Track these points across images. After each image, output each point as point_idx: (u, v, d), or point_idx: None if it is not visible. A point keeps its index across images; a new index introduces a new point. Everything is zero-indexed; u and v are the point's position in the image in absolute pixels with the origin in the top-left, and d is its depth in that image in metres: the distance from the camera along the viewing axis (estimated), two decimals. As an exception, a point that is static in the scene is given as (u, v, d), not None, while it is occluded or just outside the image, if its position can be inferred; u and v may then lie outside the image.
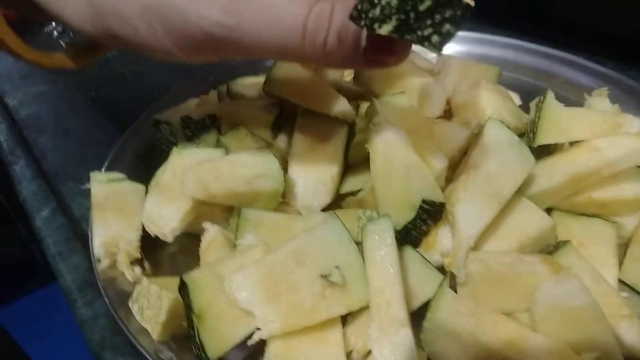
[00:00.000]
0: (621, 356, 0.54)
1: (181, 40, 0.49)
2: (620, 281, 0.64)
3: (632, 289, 0.63)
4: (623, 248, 0.66)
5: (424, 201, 0.59)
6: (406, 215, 0.60)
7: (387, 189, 0.64)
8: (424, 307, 0.57)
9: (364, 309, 0.57)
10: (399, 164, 0.62)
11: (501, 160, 0.62)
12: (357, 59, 0.45)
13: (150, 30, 0.49)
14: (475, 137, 0.67)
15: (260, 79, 0.85)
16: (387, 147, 0.64)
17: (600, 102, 0.81)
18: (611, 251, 0.65)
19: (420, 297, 0.59)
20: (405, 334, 0.52)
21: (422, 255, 0.61)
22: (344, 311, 0.56)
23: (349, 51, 0.44)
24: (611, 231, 0.66)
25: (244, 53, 0.50)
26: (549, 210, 0.69)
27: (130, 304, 0.60)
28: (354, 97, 0.80)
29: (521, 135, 0.74)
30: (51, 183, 0.88)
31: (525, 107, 0.82)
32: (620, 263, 0.64)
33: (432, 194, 0.60)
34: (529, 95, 0.83)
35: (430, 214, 0.60)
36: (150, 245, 0.69)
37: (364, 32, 0.44)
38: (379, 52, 0.45)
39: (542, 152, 0.71)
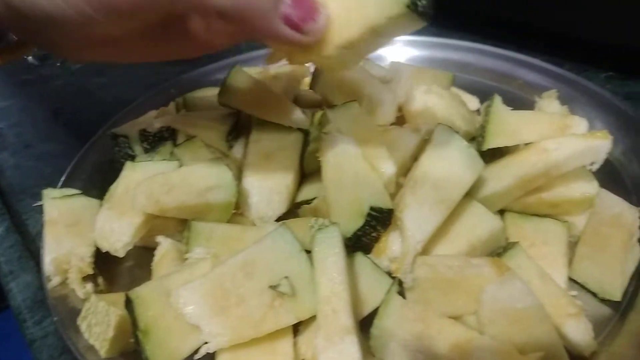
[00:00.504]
0: (566, 355, 0.54)
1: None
2: (571, 279, 0.65)
3: (582, 286, 0.64)
4: (574, 246, 0.67)
5: (371, 208, 0.59)
6: (356, 223, 0.60)
7: (338, 197, 0.64)
8: (375, 313, 0.57)
9: (314, 318, 0.57)
10: (348, 173, 0.62)
11: (449, 165, 0.63)
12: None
13: None
14: (425, 142, 0.67)
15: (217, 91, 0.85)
16: (337, 156, 0.64)
17: (550, 103, 0.83)
18: (562, 250, 0.66)
19: (371, 303, 0.59)
20: (351, 342, 0.52)
21: (372, 261, 0.61)
22: (293, 321, 0.56)
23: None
24: (562, 230, 0.67)
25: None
26: (501, 212, 0.70)
27: (79, 322, 0.60)
28: (310, 105, 0.81)
29: (473, 139, 0.75)
30: (7, 200, 0.87)
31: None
32: (571, 262, 0.66)
33: (379, 201, 0.60)
34: (489, 97, 0.84)
35: (379, 220, 0.60)
36: (105, 260, 0.69)
37: None
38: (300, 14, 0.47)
39: (495, 155, 0.72)
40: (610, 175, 0.75)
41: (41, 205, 0.73)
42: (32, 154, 1.00)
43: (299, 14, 0.48)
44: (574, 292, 0.63)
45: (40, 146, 1.03)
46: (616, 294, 0.62)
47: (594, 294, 0.63)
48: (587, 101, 0.90)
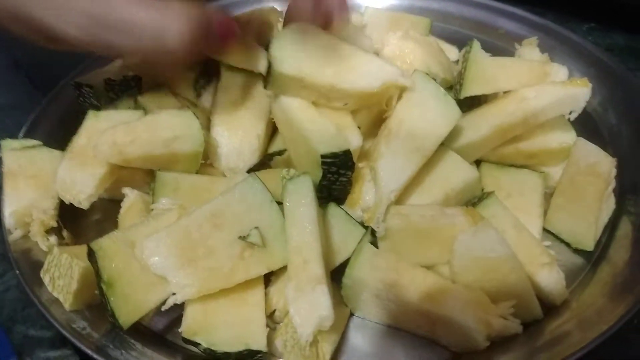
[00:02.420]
0: (537, 304, 0.55)
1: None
2: (545, 230, 0.64)
3: (555, 236, 0.64)
4: (549, 197, 0.66)
5: (322, 156, 0.57)
6: (317, 174, 0.58)
7: (296, 153, 0.63)
8: (348, 263, 0.56)
9: (286, 268, 0.56)
10: (298, 126, 0.60)
11: (425, 113, 0.61)
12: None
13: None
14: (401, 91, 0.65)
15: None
16: (285, 112, 0.62)
17: (530, 51, 0.80)
18: (537, 201, 0.65)
19: (343, 253, 0.58)
20: (322, 292, 0.51)
21: (345, 211, 0.60)
22: (264, 271, 0.55)
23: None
24: (538, 181, 0.67)
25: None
26: (477, 163, 0.69)
27: (41, 275, 0.57)
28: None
29: (451, 88, 0.73)
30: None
31: (464, 61, 0.81)
32: (546, 212, 0.65)
33: (331, 145, 0.57)
34: (469, 47, 0.82)
35: (338, 164, 0.58)
36: (71, 213, 0.66)
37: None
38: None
39: (473, 104, 0.70)
40: (587, 126, 0.74)
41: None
42: (-9, 105, 0.95)
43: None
44: (548, 243, 0.63)
45: (0, 97, 0.98)
46: (589, 244, 0.62)
47: (568, 244, 0.63)
48: (567, 51, 0.88)
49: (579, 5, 1.07)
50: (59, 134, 0.78)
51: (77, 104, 0.83)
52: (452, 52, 0.89)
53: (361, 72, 0.59)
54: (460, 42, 0.91)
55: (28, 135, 0.77)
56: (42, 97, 0.85)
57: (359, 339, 0.56)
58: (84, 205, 0.63)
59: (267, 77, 0.60)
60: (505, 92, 0.68)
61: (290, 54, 0.59)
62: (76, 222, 0.68)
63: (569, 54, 0.87)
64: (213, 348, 0.50)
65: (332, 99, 0.61)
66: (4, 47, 1.12)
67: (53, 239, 0.63)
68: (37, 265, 0.59)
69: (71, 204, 0.64)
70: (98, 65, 0.87)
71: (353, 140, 0.60)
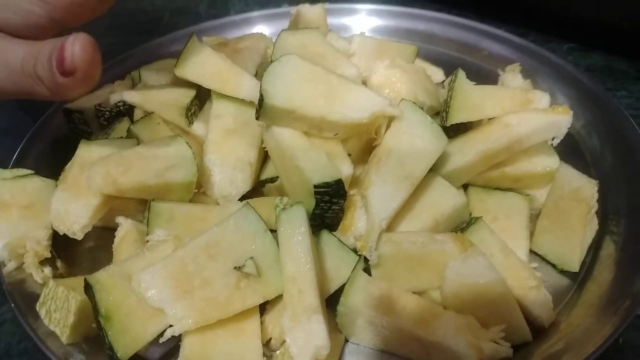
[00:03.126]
0: (526, 327, 0.56)
1: None
2: (532, 251, 0.66)
3: (542, 258, 0.66)
4: (535, 219, 0.68)
5: (315, 186, 0.58)
6: (310, 203, 0.59)
7: (289, 181, 0.64)
8: (342, 290, 0.57)
9: (282, 296, 0.57)
10: (289, 156, 0.61)
11: (413, 140, 0.63)
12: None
13: None
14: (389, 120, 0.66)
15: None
16: (277, 142, 0.63)
17: (513, 77, 0.83)
18: (523, 224, 0.67)
19: (337, 280, 0.59)
20: (318, 321, 0.52)
21: (338, 239, 0.61)
22: (260, 301, 0.56)
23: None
24: (523, 204, 0.69)
25: None
26: (465, 186, 0.70)
27: (37, 308, 0.58)
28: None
29: (437, 114, 0.75)
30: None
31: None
32: (533, 234, 0.67)
33: (323, 175, 0.58)
34: (454, 69, 0.84)
35: (331, 194, 0.59)
36: (64, 242, 0.66)
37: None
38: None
39: (458, 130, 0.72)
40: (570, 149, 0.76)
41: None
42: (-20, 132, 0.95)
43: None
44: (535, 264, 0.65)
45: (-11, 124, 0.98)
46: (574, 266, 0.64)
47: (554, 266, 0.65)
48: (550, 73, 0.91)
49: (559, 26, 1.11)
50: (50, 160, 0.79)
51: (67, 129, 0.84)
52: (438, 74, 0.92)
53: (351, 104, 0.61)
54: (446, 64, 0.94)
55: (18, 162, 0.77)
56: (32, 122, 0.86)
57: (354, 364, 0.58)
58: (78, 236, 0.63)
59: (259, 109, 0.61)
60: (489, 119, 0.70)
61: (281, 87, 0.60)
62: (69, 251, 0.68)
63: (551, 76, 0.90)
64: (211, 379, 0.51)
65: (323, 129, 0.62)
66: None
67: (47, 270, 0.63)
68: (32, 297, 0.59)
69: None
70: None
71: (344, 168, 0.61)
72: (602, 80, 0.99)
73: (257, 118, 0.62)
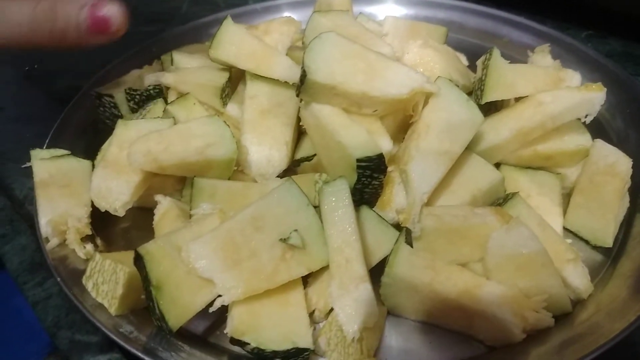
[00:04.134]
0: (568, 298, 0.57)
1: None
2: (565, 229, 0.67)
3: (575, 235, 0.67)
4: (567, 198, 0.69)
5: (358, 160, 0.59)
6: (351, 178, 0.60)
7: (328, 158, 0.65)
8: (381, 264, 0.58)
9: (324, 269, 0.58)
10: (330, 132, 0.62)
11: (450, 117, 0.63)
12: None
13: None
14: (426, 96, 0.67)
15: (206, 46, 0.82)
16: (316, 118, 0.64)
17: (543, 58, 0.84)
18: (556, 201, 0.68)
19: (377, 254, 0.60)
20: (366, 289, 0.53)
21: (378, 214, 0.62)
22: (305, 272, 0.56)
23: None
24: (555, 182, 0.69)
25: None
26: (497, 165, 0.71)
27: (83, 281, 0.58)
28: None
29: (469, 93, 0.75)
30: (-12, 164, 0.84)
31: (471, 68, 0.83)
32: (564, 212, 0.68)
33: (365, 150, 0.59)
34: (475, 56, 0.84)
35: (372, 168, 0.60)
36: (101, 221, 0.67)
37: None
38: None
39: (489, 109, 0.73)
40: (596, 131, 0.77)
41: (27, 169, 0.70)
42: (7, 117, 0.96)
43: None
44: (568, 240, 0.65)
45: (15, 109, 0.98)
46: (608, 241, 0.65)
47: (587, 242, 0.66)
48: (571, 58, 0.91)
49: (576, 13, 1.12)
50: (81, 144, 0.79)
51: (96, 114, 0.84)
52: (462, 59, 0.92)
53: (390, 80, 0.61)
54: (465, 51, 0.94)
55: (52, 145, 0.77)
56: (58, 107, 0.86)
57: (395, 337, 0.58)
58: (120, 212, 0.64)
59: (300, 85, 0.61)
60: (521, 98, 0.71)
61: (322, 64, 0.61)
62: (105, 231, 0.69)
63: (573, 61, 0.90)
64: (262, 347, 0.51)
65: (362, 105, 0.63)
66: (13, 59, 1.12)
67: (89, 246, 0.64)
68: (76, 272, 0.60)
69: (102, 212, 0.65)
70: (113, 76, 0.88)
71: (384, 145, 0.62)
72: (621, 65, 1.00)
73: (297, 95, 0.63)
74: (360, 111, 0.64)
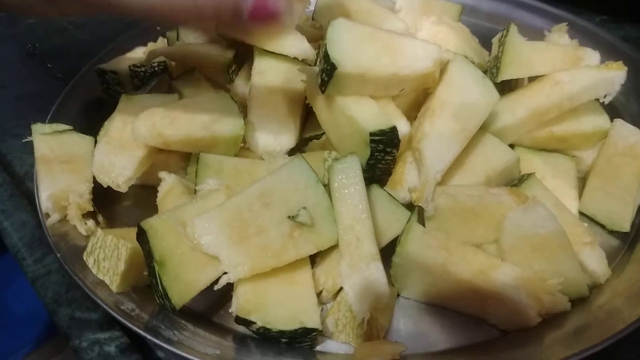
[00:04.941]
0: (584, 281, 0.55)
1: None
2: (580, 213, 0.65)
3: (591, 219, 0.65)
4: (581, 182, 0.67)
5: (371, 134, 0.57)
6: (364, 153, 0.58)
7: (338, 135, 0.63)
8: (392, 244, 0.56)
9: (332, 249, 0.56)
10: (340, 109, 0.59)
11: (466, 95, 0.61)
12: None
13: None
14: (440, 73, 0.65)
15: (211, 23, 0.80)
16: (325, 96, 0.61)
17: (560, 37, 0.81)
18: (571, 184, 0.66)
19: (388, 234, 0.58)
20: (377, 268, 0.51)
21: (388, 193, 0.60)
22: (313, 250, 0.54)
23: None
24: (571, 164, 0.67)
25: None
26: (510, 147, 0.69)
27: (84, 257, 0.57)
28: (313, 39, 0.77)
29: (484, 72, 0.73)
30: (-11, 141, 0.82)
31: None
32: (580, 195, 0.66)
33: (378, 123, 0.57)
34: (488, 40, 0.82)
35: (385, 142, 0.58)
36: (103, 199, 0.65)
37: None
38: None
39: (504, 88, 0.70)
40: (611, 114, 0.75)
41: (28, 147, 0.68)
42: (9, 94, 0.94)
43: None
44: (584, 224, 0.63)
45: (17, 87, 0.97)
46: (625, 225, 0.63)
47: (602, 227, 0.64)
48: (587, 42, 0.88)
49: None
50: (84, 120, 0.78)
51: (99, 91, 0.83)
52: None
53: (412, 55, 0.59)
54: (477, 34, 0.92)
55: (53, 120, 0.75)
56: (60, 85, 0.84)
57: (404, 320, 0.56)
58: (123, 188, 0.62)
59: (327, 80, 0.58)
60: (537, 77, 0.69)
61: (346, 53, 0.57)
62: (108, 209, 0.67)
63: (589, 44, 0.88)
64: (268, 327, 0.49)
65: (390, 87, 0.60)
66: (16, 36, 1.10)
67: (91, 222, 0.62)
68: (76, 249, 0.58)
69: (104, 189, 0.63)
70: (116, 53, 0.86)
71: (401, 126, 0.59)
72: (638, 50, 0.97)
73: (322, 91, 0.60)
74: (388, 93, 0.61)
